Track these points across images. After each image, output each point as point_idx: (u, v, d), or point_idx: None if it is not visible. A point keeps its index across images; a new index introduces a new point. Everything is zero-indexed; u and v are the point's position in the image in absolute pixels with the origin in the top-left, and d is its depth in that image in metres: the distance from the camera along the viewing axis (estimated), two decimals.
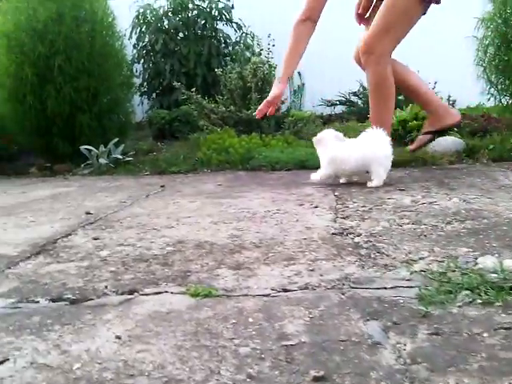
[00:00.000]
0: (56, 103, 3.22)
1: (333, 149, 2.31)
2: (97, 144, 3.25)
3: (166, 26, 5.70)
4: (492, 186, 2.15)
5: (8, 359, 0.80)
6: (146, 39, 5.76)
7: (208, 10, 5.70)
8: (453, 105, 4.95)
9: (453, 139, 3.19)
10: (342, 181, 2.39)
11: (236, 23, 5.82)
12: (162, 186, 2.52)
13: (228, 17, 5.78)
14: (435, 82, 5.18)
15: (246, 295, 1.03)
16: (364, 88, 5.24)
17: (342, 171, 2.33)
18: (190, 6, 5.67)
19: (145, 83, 5.79)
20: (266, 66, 3.74)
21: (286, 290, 1.05)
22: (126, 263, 1.27)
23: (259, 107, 2.53)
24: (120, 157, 3.20)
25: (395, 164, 2.85)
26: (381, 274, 1.12)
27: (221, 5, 5.70)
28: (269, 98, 2.51)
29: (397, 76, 2.67)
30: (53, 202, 2.23)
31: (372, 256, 1.26)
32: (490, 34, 3.13)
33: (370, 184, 2.24)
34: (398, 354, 0.77)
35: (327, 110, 5.57)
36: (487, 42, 3.14)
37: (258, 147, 3.33)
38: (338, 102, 5.48)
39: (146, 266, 1.24)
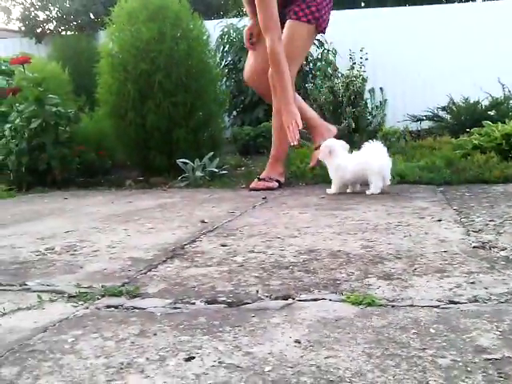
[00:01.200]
0: (155, 118, 3.33)
1: (339, 158, 2.49)
2: (191, 158, 3.31)
3: None
4: None
5: (194, 357, 0.78)
6: (230, 58, 5.90)
7: None
8: None
9: None
10: (348, 190, 2.56)
11: (318, 40, 5.81)
12: (263, 198, 2.51)
13: None
14: None
15: (412, 305, 0.97)
16: (454, 103, 5.05)
17: (345, 180, 2.51)
18: None
19: (226, 102, 5.92)
20: (359, 79, 3.69)
21: (454, 302, 0.98)
22: (266, 269, 1.25)
23: (296, 136, 2.63)
24: (216, 170, 3.24)
25: (505, 179, 2.70)
26: None
27: None
28: (298, 122, 2.62)
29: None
30: (162, 211, 2.28)
31: None
32: None
33: (368, 192, 2.44)
34: None
35: (412, 126, 5.41)
36: None
37: None
38: (424, 118, 5.31)
39: (288, 273, 1.21)
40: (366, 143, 2.50)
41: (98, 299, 1.09)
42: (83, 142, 3.79)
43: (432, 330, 0.84)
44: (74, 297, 1.11)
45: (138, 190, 3.24)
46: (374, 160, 2.40)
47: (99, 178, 3.84)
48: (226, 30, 5.85)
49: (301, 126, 2.64)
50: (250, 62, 3.00)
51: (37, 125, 3.37)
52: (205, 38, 3.64)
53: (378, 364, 0.73)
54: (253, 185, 2.90)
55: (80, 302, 1.07)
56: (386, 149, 2.47)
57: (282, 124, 2.76)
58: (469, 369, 0.71)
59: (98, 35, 6.81)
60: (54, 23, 7.15)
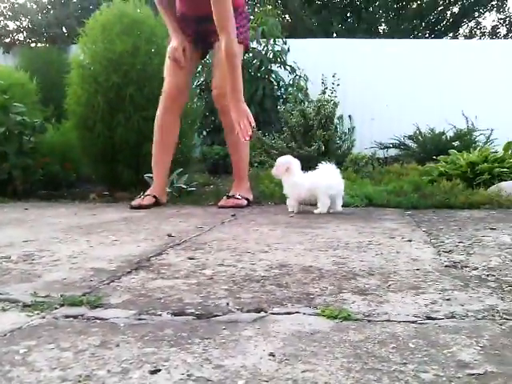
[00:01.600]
0: (124, 131, 3.26)
1: (296, 176, 2.51)
2: None
3: None
4: None
5: (160, 370, 0.72)
6: (202, 78, 5.90)
7: (264, 52, 5.82)
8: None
9: None
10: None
11: (290, 66, 5.91)
12: (232, 215, 2.46)
13: (282, 59, 5.88)
14: (492, 130, 5.10)
15: (389, 320, 0.93)
16: (420, 132, 5.18)
17: (300, 199, 2.53)
18: None
19: (197, 121, 5.89)
20: (331, 104, 3.73)
21: (431, 318, 0.95)
22: (236, 282, 1.20)
23: (248, 132, 2.61)
24: (184, 186, 3.18)
25: (470, 204, 2.75)
26: None
27: (277, 47, 5.82)
28: (250, 120, 2.61)
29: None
30: (128, 224, 2.20)
31: (506, 289, 1.15)
32: None
33: (315, 211, 2.48)
34: None
35: (379, 153, 5.51)
36: None
37: None
38: (391, 145, 5.42)
39: (260, 286, 1.16)
40: (320, 164, 2.53)
41: (56, 309, 1.01)
42: (48, 154, 3.67)
43: (411, 345, 0.81)
44: (29, 306, 1.03)
45: (102, 203, 3.13)
46: (324, 180, 2.45)
47: (63, 191, 3.72)
48: None
49: (253, 124, 2.63)
50: (179, 77, 2.89)
51: (0, 133, 3.25)
52: None
53: (359, 378, 0.69)
54: (222, 202, 2.85)
55: (36, 312, 0.99)
56: (338, 170, 2.53)
57: (236, 142, 2.83)
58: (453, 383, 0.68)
59: (70, 49, 6.72)
60: (25, 34, 7.00)
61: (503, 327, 0.89)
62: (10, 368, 0.73)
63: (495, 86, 5.92)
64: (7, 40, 6.97)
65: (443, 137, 5.15)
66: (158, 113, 2.88)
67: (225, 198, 2.89)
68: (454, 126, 5.21)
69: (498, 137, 4.96)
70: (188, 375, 0.70)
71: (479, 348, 0.80)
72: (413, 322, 0.92)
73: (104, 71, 3.27)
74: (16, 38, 7.08)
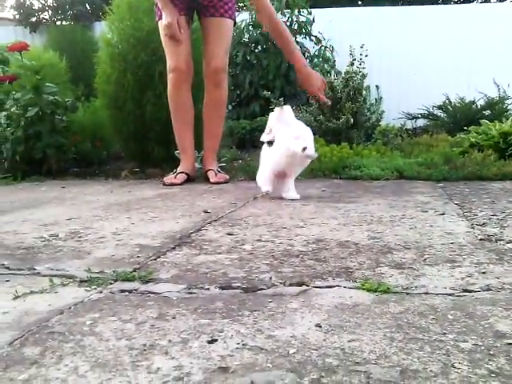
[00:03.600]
0: (155, 109, 3.31)
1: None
2: None
3: (247, 39, 5.80)
4: None
5: (216, 340, 0.78)
6: None
7: (289, 23, 5.74)
8: None
9: None
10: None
11: (315, 36, 5.83)
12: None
13: (308, 30, 5.80)
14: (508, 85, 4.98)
15: (427, 293, 0.98)
16: (450, 102, 5.09)
17: None
18: None
19: None
20: (359, 75, 3.70)
21: (467, 291, 0.99)
22: (276, 257, 1.25)
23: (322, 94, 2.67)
24: None
25: (503, 176, 2.73)
26: None
27: (302, 18, 5.74)
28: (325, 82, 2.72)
29: None
30: (163, 200, 2.27)
31: None
32: None
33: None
34: None
35: (407, 124, 5.44)
36: None
37: (350, 156, 3.27)
38: (419, 116, 5.34)
39: (300, 261, 1.22)
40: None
41: (111, 284, 1.09)
42: (79, 132, 3.76)
43: (450, 316, 0.85)
44: (85, 281, 1.11)
45: (135, 180, 3.22)
46: None
47: (94, 169, 3.81)
48: None
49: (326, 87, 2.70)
50: (182, 51, 2.87)
51: (33, 113, 3.34)
52: None
53: (402, 347, 0.74)
54: (215, 179, 2.89)
55: (93, 287, 1.07)
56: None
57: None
58: (491, 352, 0.72)
59: (94, 26, 6.76)
60: (50, 12, 7.06)
61: None
62: (81, 337, 0.80)
63: None
64: (33, 19, 7.05)
65: (473, 106, 5.04)
66: (172, 92, 2.89)
67: (212, 173, 2.92)
68: (485, 95, 5.10)
69: None
70: (243, 344, 0.76)
71: None
72: (450, 295, 0.96)
73: (132, 49, 3.30)
74: (41, 16, 7.15)
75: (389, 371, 0.67)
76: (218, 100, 2.96)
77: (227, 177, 2.94)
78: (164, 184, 2.86)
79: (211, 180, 2.89)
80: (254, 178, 3.00)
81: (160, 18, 2.84)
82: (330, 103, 2.74)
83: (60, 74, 4.16)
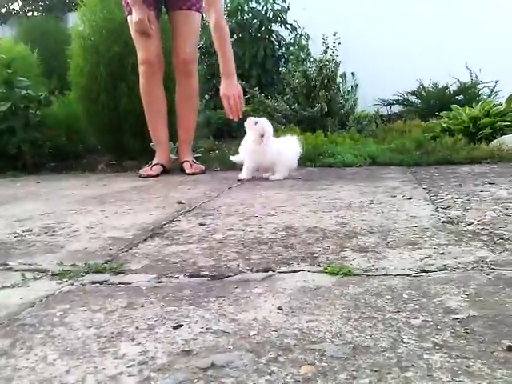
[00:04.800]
0: (128, 101, 3.30)
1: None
2: None
3: None
4: None
5: (182, 325, 0.82)
6: (202, 41, 5.84)
7: (263, 12, 5.74)
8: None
9: None
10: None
11: (291, 25, 5.84)
12: (239, 180, 2.54)
13: (283, 18, 5.81)
14: (496, 81, 5.07)
15: (386, 275, 1.02)
16: (424, 88, 5.16)
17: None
18: (246, 8, 5.73)
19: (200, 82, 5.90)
20: (332, 63, 3.73)
21: (425, 271, 1.04)
22: (246, 245, 1.29)
23: (234, 111, 2.66)
24: None
25: (471, 160, 2.81)
26: None
27: (276, 6, 5.74)
28: (241, 97, 2.65)
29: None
30: (138, 193, 2.28)
31: (497, 242, 1.23)
32: None
33: (273, 177, 2.50)
34: None
35: (383, 110, 5.51)
36: None
37: (325, 144, 3.32)
38: (394, 102, 5.41)
39: (268, 248, 1.25)
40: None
41: (82, 276, 1.11)
42: (54, 126, 3.73)
43: (405, 296, 0.90)
44: (57, 274, 1.13)
45: (111, 173, 3.22)
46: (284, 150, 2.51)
47: (70, 162, 3.79)
48: None
49: (243, 103, 2.66)
50: (152, 45, 2.89)
51: (6, 108, 3.30)
52: None
53: (356, 326, 0.79)
54: (191, 170, 2.92)
55: (64, 279, 1.09)
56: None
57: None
58: (439, 327, 0.77)
59: (67, 17, 6.65)
60: (19, 3, 6.93)
61: (489, 277, 0.98)
62: (52, 328, 0.83)
63: (500, 36, 5.83)
64: (3, 10, 6.91)
65: (446, 91, 5.13)
66: (144, 85, 2.91)
67: (187, 164, 2.95)
68: (458, 80, 5.18)
69: (504, 88, 4.94)
70: (207, 328, 0.80)
71: (465, 296, 0.89)
72: (408, 275, 1.01)
73: (105, 41, 3.28)
74: (11, 7, 7.01)
75: (342, 348, 0.71)
76: (189, 91, 2.98)
77: (203, 167, 2.97)
78: (140, 176, 2.87)
79: (187, 171, 2.91)
80: (230, 168, 3.04)
81: (129, 12, 2.84)
82: (234, 119, 2.70)
83: (32, 66, 4.11)
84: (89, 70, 3.35)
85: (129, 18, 2.87)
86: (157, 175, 2.86)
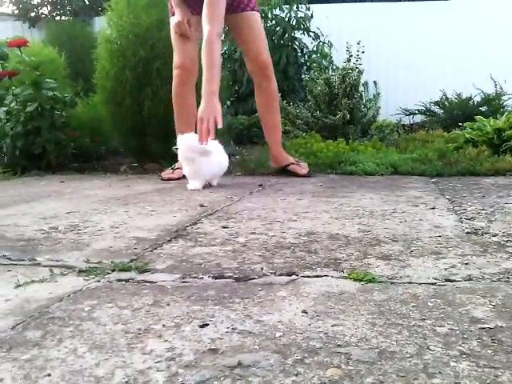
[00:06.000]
0: (152, 105, 3.34)
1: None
2: None
3: None
4: None
5: (208, 324, 0.83)
6: (225, 47, 5.90)
7: (287, 19, 5.77)
8: None
9: None
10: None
11: (314, 32, 5.86)
12: (260, 185, 2.56)
13: (306, 26, 5.83)
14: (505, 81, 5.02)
15: (411, 283, 1.02)
16: (447, 98, 5.12)
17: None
18: (270, 15, 5.77)
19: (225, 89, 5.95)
20: (356, 72, 3.73)
21: (450, 280, 1.03)
22: (268, 249, 1.30)
23: (204, 134, 2.38)
24: None
25: (495, 171, 2.78)
26: None
27: (300, 14, 5.77)
28: (218, 120, 2.38)
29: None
30: (161, 195, 2.31)
31: None
32: None
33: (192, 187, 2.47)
34: None
35: (405, 119, 5.49)
36: None
37: (346, 152, 3.32)
38: (416, 112, 5.38)
39: (291, 252, 1.26)
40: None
41: (109, 273, 1.13)
42: (78, 128, 3.80)
43: (430, 304, 0.90)
44: (84, 271, 1.15)
45: (133, 175, 3.26)
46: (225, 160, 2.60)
47: (93, 164, 3.86)
48: None
49: (220, 125, 2.37)
50: (189, 50, 2.87)
51: (33, 109, 3.37)
52: None
53: (382, 331, 0.79)
54: (304, 171, 2.91)
55: (91, 276, 1.11)
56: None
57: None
58: (465, 336, 0.77)
59: (93, 21, 6.78)
60: (48, 7, 7.08)
61: None
62: (80, 322, 0.85)
63: None
64: (32, 14, 7.07)
65: (470, 102, 5.08)
66: (176, 89, 2.89)
67: (296, 166, 2.92)
68: (482, 91, 5.14)
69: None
70: (233, 328, 0.81)
71: (492, 306, 0.88)
72: (432, 284, 1.01)
73: (131, 46, 3.33)
74: (40, 11, 7.17)
75: (367, 352, 0.72)
76: (271, 93, 2.92)
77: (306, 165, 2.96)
78: (162, 179, 2.91)
79: (300, 173, 2.87)
80: (250, 173, 3.06)
81: (173, 14, 2.85)
82: (204, 143, 2.38)
83: (59, 69, 4.20)
84: (114, 74, 3.40)
85: (171, 19, 2.87)
86: (178, 178, 2.89)
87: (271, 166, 3.06)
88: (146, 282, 1.07)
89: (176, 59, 2.88)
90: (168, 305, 0.92)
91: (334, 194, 2.23)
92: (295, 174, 2.89)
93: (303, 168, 2.91)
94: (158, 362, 0.71)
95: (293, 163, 2.96)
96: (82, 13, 6.92)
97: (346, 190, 2.34)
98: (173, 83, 2.92)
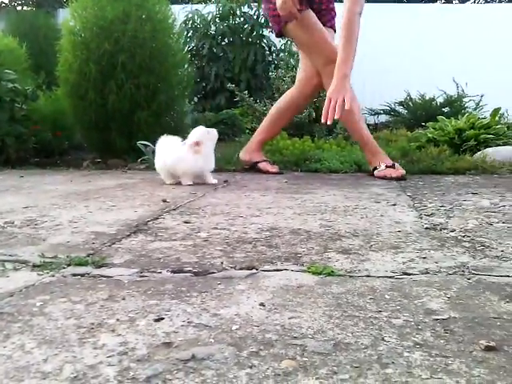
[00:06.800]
0: (117, 99, 3.28)
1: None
2: (152, 141, 3.29)
3: (213, 32, 5.79)
4: None
5: (163, 318, 0.81)
6: (193, 44, 5.86)
7: (255, 17, 5.77)
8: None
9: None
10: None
11: None
12: (225, 181, 2.54)
13: None
14: (481, 95, 5.16)
15: (369, 276, 1.03)
16: (411, 98, 5.23)
17: None
18: (238, 12, 5.76)
19: (188, 87, 5.89)
20: None
21: (407, 274, 1.05)
22: (230, 244, 1.29)
23: (331, 112, 2.33)
24: None
25: (455, 170, 2.85)
26: (497, 264, 1.11)
27: None
28: (346, 102, 2.31)
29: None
30: (123, 190, 2.27)
31: (478, 248, 1.25)
32: None
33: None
34: None
35: (370, 119, 5.57)
36: None
37: (312, 150, 3.34)
38: (381, 112, 5.47)
39: (252, 247, 1.25)
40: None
41: (64, 268, 1.10)
42: (40, 121, 3.69)
43: (387, 296, 0.91)
44: (38, 266, 1.11)
45: (96, 170, 3.19)
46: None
47: (55, 159, 3.76)
48: (190, 15, 5.82)
49: (347, 107, 2.30)
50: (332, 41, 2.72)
51: None
52: (170, 21, 3.61)
53: (338, 323, 0.79)
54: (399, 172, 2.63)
55: (45, 271, 1.08)
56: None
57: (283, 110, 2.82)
58: (419, 327, 0.78)
59: (57, 13, 6.60)
60: None
61: (470, 281, 0.99)
62: (30, 318, 0.82)
63: (486, 51, 5.95)
64: None
65: (433, 103, 5.20)
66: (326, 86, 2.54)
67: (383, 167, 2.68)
68: (445, 92, 5.26)
69: (488, 102, 5.02)
70: (188, 322, 0.80)
71: (446, 298, 0.90)
72: (390, 277, 1.02)
73: (95, 38, 3.26)
74: (0, 1, 6.94)
75: (323, 344, 0.72)
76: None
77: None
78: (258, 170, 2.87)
79: (394, 175, 2.60)
80: (216, 170, 3.04)
81: (286, 20, 2.60)
82: (328, 123, 2.34)
83: (20, 60, 4.07)
84: (78, 67, 3.33)
85: (289, 25, 2.63)
86: (276, 173, 2.84)
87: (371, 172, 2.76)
88: (102, 276, 1.04)
89: (329, 53, 2.59)
90: (123, 299, 0.90)
91: (298, 190, 2.24)
92: (266, 172, 2.86)
93: (398, 169, 2.66)
94: (110, 356, 0.69)
95: (265, 160, 2.92)
96: (45, 4, 6.72)
97: (310, 186, 2.36)
98: (325, 80, 2.64)
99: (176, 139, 2.51)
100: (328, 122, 2.33)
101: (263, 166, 2.94)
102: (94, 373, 0.64)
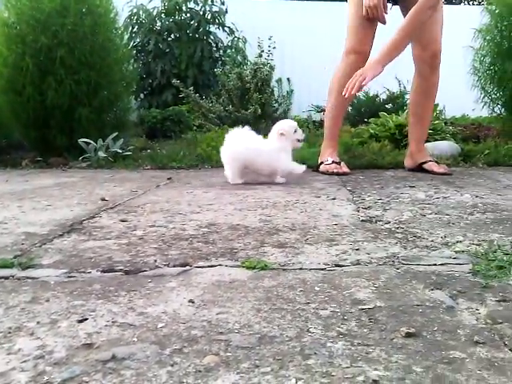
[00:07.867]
0: (56, 95, 3.17)
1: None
2: (94, 138, 3.21)
3: (159, 27, 5.70)
4: (497, 185, 2.22)
5: (87, 319, 0.78)
6: (138, 39, 5.74)
7: (201, 13, 5.72)
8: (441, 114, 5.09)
9: (449, 144, 3.28)
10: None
11: (228, 27, 5.86)
12: (168, 179, 2.51)
13: (221, 21, 5.81)
14: (407, 81, 5.33)
15: (302, 269, 1.04)
16: (355, 95, 5.33)
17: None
18: (184, 8, 5.68)
19: (133, 83, 5.77)
20: (267, 67, 3.77)
21: (339, 266, 1.06)
22: (166, 241, 1.27)
23: (350, 86, 2.34)
24: (119, 151, 3.16)
25: (396, 164, 2.93)
26: (426, 254, 1.15)
27: (215, 8, 5.74)
28: (367, 79, 2.34)
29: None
30: (61, 189, 2.19)
31: (410, 239, 1.28)
32: (486, 44, 3.23)
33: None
34: (475, 316, 0.79)
35: (316, 116, 5.64)
36: (484, 52, 3.25)
37: None
38: None
39: (188, 244, 1.24)
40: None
41: None
42: None
43: (317, 288, 0.92)
44: None
45: (35, 169, 3.07)
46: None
47: None
48: (135, 10, 5.69)
49: (364, 83, 2.33)
50: (369, 36, 2.71)
51: None
52: (112, 15, 3.51)
53: (266, 317, 0.79)
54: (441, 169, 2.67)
55: None
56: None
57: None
58: (345, 317, 0.79)
59: None
60: None
61: (399, 271, 1.02)
62: None
63: None
64: None
65: (377, 99, 5.33)
66: (349, 75, 2.46)
67: (433, 164, 2.69)
68: (388, 89, 5.40)
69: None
70: (113, 322, 0.77)
71: (374, 288, 0.92)
72: (322, 270, 1.03)
73: (32, 31, 3.13)
74: None
75: (248, 338, 0.71)
76: (433, 85, 2.72)
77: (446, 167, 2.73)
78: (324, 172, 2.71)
79: (436, 170, 2.64)
80: (161, 167, 3.00)
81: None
82: (346, 95, 2.38)
83: None
84: (13, 60, 3.19)
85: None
86: (344, 173, 2.66)
87: (405, 166, 2.82)
88: (27, 278, 1.00)
89: (353, 44, 2.61)
90: (47, 301, 0.87)
91: (241, 186, 2.23)
92: (432, 172, 2.65)
93: (441, 167, 2.68)
94: (25, 361, 0.66)
95: (430, 160, 2.73)
96: None
97: (254, 182, 2.36)
98: (343, 69, 2.64)
99: (254, 133, 2.32)
100: (346, 95, 2.39)
101: (429, 166, 2.72)
102: (4, 380, 0.61)
